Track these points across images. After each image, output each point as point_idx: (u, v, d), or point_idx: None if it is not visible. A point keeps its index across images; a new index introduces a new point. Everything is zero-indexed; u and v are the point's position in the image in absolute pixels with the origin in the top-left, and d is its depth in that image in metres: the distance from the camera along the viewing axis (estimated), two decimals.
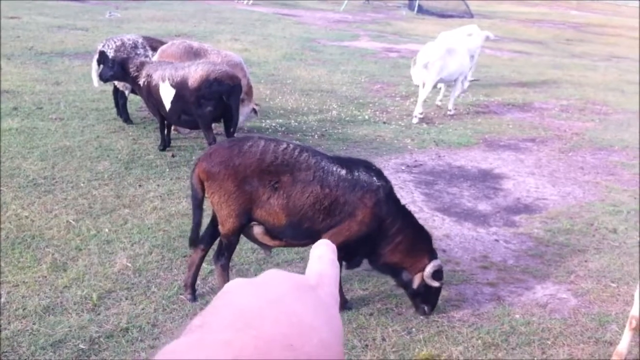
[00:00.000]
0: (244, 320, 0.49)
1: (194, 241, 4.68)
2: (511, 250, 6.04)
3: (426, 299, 4.74)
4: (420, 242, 4.65)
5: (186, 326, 0.55)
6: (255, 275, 0.67)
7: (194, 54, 8.40)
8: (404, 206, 4.70)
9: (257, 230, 4.47)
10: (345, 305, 4.76)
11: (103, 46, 8.38)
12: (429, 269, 4.55)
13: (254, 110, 8.57)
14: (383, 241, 4.54)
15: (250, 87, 8.51)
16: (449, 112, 10.86)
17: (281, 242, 4.53)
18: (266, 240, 4.52)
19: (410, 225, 4.64)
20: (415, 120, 10.26)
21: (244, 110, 8.42)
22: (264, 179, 4.28)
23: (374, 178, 4.45)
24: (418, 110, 10.30)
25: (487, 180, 7.98)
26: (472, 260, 5.78)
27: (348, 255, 4.56)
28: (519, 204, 7.27)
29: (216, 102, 7.10)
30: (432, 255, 4.67)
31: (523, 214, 6.96)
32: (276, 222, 4.36)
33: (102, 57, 7.97)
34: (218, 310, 0.53)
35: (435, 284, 4.59)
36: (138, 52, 8.34)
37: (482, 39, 12.50)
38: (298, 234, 4.43)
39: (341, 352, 0.55)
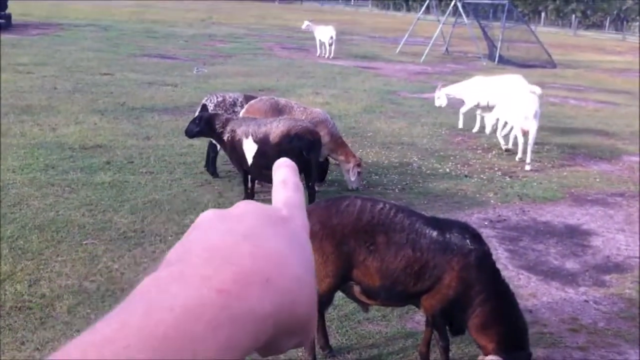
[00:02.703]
0: (221, 257, 0.50)
1: None
2: (602, 312, 5.79)
3: None
4: (498, 324, 4.12)
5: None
6: None
7: (280, 110, 8.63)
8: (502, 281, 4.28)
9: (355, 289, 4.42)
10: None
11: (206, 100, 8.89)
12: (489, 358, 4.04)
13: (358, 168, 8.65)
14: (467, 309, 4.15)
15: (336, 143, 8.62)
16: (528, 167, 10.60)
17: (377, 302, 4.47)
18: (363, 298, 4.46)
19: (497, 301, 4.16)
20: (528, 168, 10.47)
21: (347, 169, 8.59)
22: (360, 239, 4.22)
23: (467, 241, 4.19)
24: (529, 157, 10.56)
25: (574, 236, 7.72)
26: (560, 322, 5.57)
27: (448, 320, 4.34)
28: (609, 262, 6.98)
29: (296, 156, 7.24)
30: (508, 344, 4.06)
31: (614, 273, 6.67)
32: (370, 283, 4.28)
33: (204, 110, 8.37)
34: (193, 247, 0.53)
35: None
36: (236, 110, 8.74)
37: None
38: (392, 296, 4.33)
39: (313, 284, 0.56)
